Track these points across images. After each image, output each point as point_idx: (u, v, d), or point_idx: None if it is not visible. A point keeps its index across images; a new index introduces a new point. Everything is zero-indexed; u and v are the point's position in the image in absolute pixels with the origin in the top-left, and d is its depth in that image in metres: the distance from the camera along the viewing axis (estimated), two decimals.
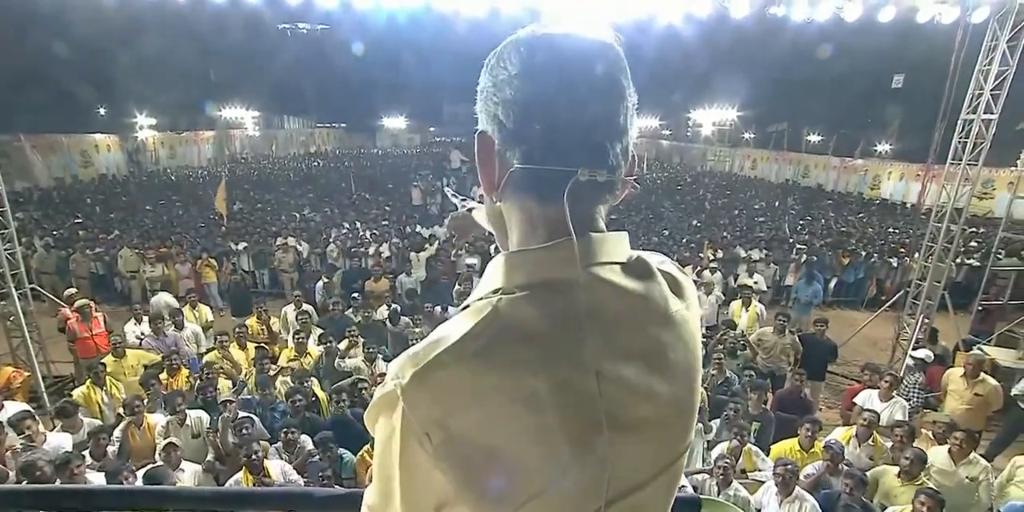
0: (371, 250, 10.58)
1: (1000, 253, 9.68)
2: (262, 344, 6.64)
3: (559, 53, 0.65)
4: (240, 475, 4.15)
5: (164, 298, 7.98)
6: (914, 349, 6.86)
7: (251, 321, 7.08)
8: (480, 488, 0.58)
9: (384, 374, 0.66)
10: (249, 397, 5.35)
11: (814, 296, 8.85)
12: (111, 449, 4.51)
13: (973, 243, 12.47)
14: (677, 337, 0.69)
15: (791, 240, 13.09)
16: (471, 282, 8.22)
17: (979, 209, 16.91)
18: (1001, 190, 18.02)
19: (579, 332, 0.60)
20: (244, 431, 4.53)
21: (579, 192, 0.64)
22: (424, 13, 7.93)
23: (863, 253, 11.62)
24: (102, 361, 5.76)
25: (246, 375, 5.89)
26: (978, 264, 10.51)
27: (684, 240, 12.24)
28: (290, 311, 7.30)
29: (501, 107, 0.65)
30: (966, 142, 6.87)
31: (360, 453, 4.57)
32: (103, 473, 3.88)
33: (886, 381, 5.39)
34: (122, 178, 25.03)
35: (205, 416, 4.89)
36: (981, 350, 6.73)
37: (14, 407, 4.79)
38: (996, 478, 4.41)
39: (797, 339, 6.60)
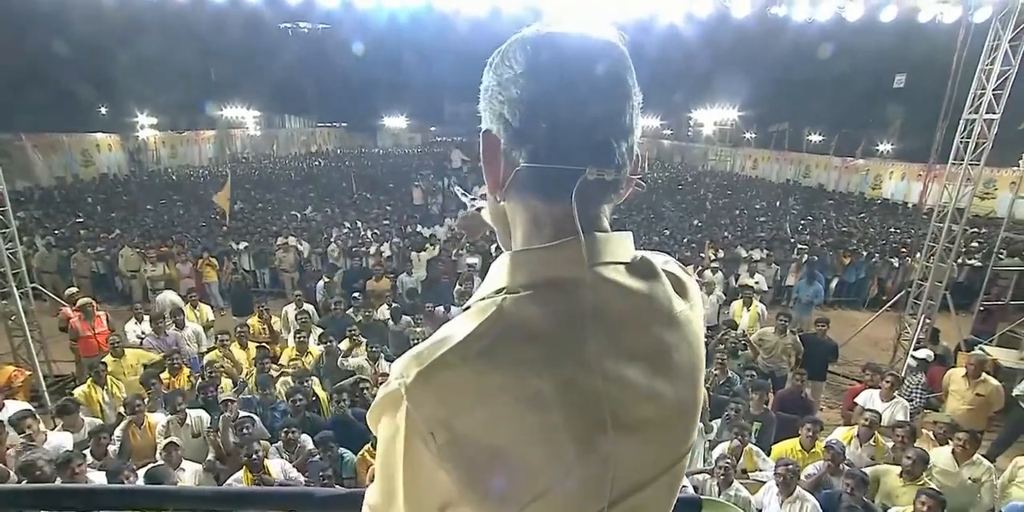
0: (372, 250, 10.59)
1: (1002, 253, 9.67)
2: (263, 344, 6.65)
3: (564, 52, 0.64)
4: (240, 474, 4.15)
5: (169, 296, 8.01)
6: (915, 349, 6.85)
7: (252, 320, 7.09)
8: (484, 488, 0.58)
9: (387, 374, 0.65)
10: (250, 396, 5.35)
11: (815, 296, 8.84)
12: (112, 448, 4.52)
13: (975, 243, 12.45)
14: (681, 337, 0.69)
15: (792, 240, 13.07)
16: (472, 282, 8.22)
17: (981, 209, 16.89)
18: (1003, 190, 18.01)
19: (583, 332, 0.60)
20: (245, 431, 4.53)
21: (585, 191, 0.64)
22: (425, 12, 7.93)
23: (864, 253, 11.60)
24: (103, 360, 5.77)
25: (247, 374, 5.90)
26: (980, 264, 10.49)
27: (685, 240, 12.24)
28: (291, 311, 7.31)
29: (507, 106, 0.65)
30: (968, 142, 6.86)
31: (361, 453, 4.57)
32: (104, 472, 3.89)
33: (887, 381, 5.38)
34: (123, 177, 25.08)
35: (205, 415, 4.90)
36: (983, 350, 6.72)
37: (15, 406, 4.79)
38: (998, 479, 4.40)
39: (798, 339, 6.59)
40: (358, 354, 6.22)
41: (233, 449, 4.51)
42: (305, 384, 5.38)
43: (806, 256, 10.57)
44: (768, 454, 4.78)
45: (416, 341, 4.84)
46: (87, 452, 4.32)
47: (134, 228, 13.28)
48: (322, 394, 5.52)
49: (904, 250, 11.65)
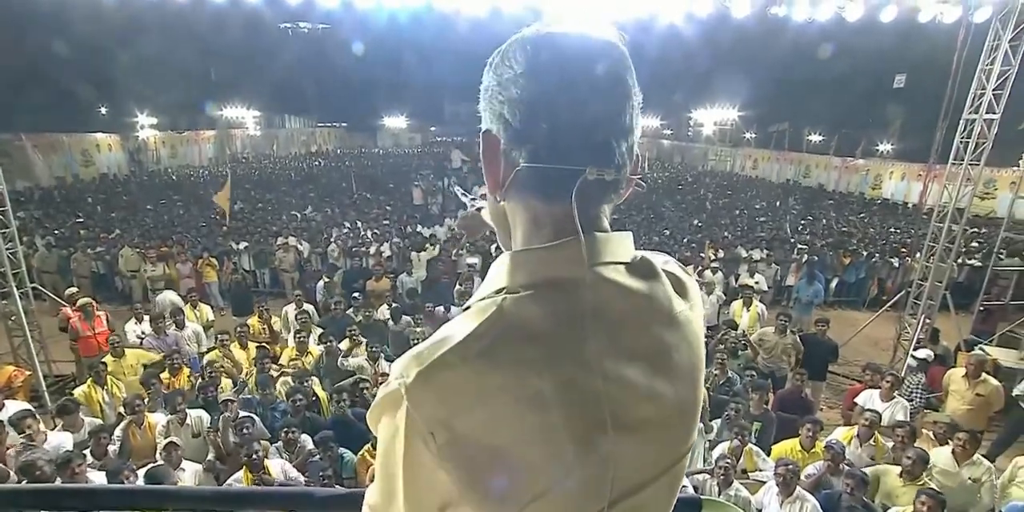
0: (372, 250, 10.59)
1: (1002, 253, 9.67)
2: (263, 344, 6.65)
3: (565, 52, 0.64)
4: (240, 474, 4.15)
5: (169, 296, 8.02)
6: (915, 349, 6.85)
7: (252, 320, 7.09)
8: (484, 488, 0.58)
9: (387, 374, 0.65)
10: (250, 396, 5.35)
11: (815, 296, 8.84)
12: (112, 448, 4.52)
13: (975, 243, 12.45)
14: (681, 338, 0.69)
15: (792, 240, 13.07)
16: (472, 282, 8.22)
17: (981, 209, 16.88)
18: (1003, 190, 18.01)
19: (584, 332, 0.60)
20: (245, 431, 4.53)
21: (585, 191, 0.64)
22: (425, 12, 7.93)
23: (864, 253, 11.60)
24: (103, 360, 5.77)
25: (247, 375, 5.90)
26: (980, 264, 10.49)
27: (685, 240, 12.24)
28: (291, 311, 7.31)
29: (507, 106, 0.65)
30: (968, 142, 6.86)
31: (361, 453, 4.57)
32: (104, 472, 3.89)
33: (887, 381, 5.38)
34: (123, 177, 25.08)
35: (205, 415, 4.90)
36: (983, 350, 6.72)
37: (15, 406, 4.79)
38: (998, 479, 4.40)
39: (798, 339, 6.59)
40: (358, 354, 6.22)
41: (233, 449, 4.51)
42: (305, 384, 5.38)
43: (806, 256, 10.56)
44: (768, 454, 4.78)
45: (416, 341, 4.84)
46: (87, 452, 4.32)
47: (134, 228, 13.28)
48: (322, 394, 5.52)
49: (904, 250, 11.65)
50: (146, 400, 4.97)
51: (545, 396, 0.57)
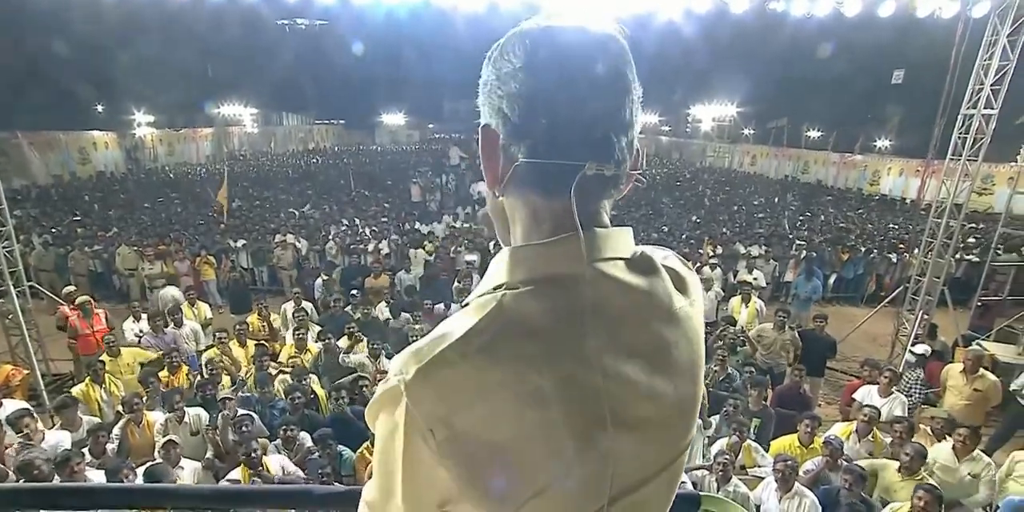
0: (370, 247, 10.58)
1: (999, 249, 9.68)
2: (262, 341, 6.65)
3: (564, 46, 0.64)
4: (238, 470, 4.15)
5: (171, 292, 8.04)
6: (913, 345, 6.87)
7: (252, 318, 7.09)
8: (484, 485, 0.58)
9: (387, 371, 0.65)
10: (248, 394, 5.35)
11: (813, 292, 8.85)
12: (110, 447, 4.52)
13: (972, 239, 12.48)
14: (681, 334, 0.69)
15: (790, 236, 13.10)
16: (470, 279, 8.22)
17: (979, 205, 16.92)
18: (1001, 185, 18.04)
19: (583, 328, 0.60)
20: (244, 429, 4.53)
21: (585, 186, 0.63)
22: (423, 8, 7.92)
23: (862, 249, 11.62)
24: (100, 358, 5.76)
25: (246, 373, 5.89)
26: (977, 260, 10.51)
27: (683, 236, 12.25)
28: (289, 308, 7.31)
29: (506, 101, 0.64)
30: (966, 137, 6.86)
31: (360, 450, 4.57)
32: (103, 471, 3.89)
33: (885, 377, 5.40)
34: (120, 175, 25.01)
35: (204, 414, 4.90)
36: (980, 346, 6.74)
37: (13, 405, 4.79)
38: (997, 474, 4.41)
39: (796, 335, 6.61)
40: (359, 351, 6.22)
41: (232, 447, 4.51)
42: (303, 382, 5.38)
43: (804, 252, 10.58)
44: (767, 450, 4.80)
45: (415, 338, 4.84)
46: (85, 451, 4.32)
47: (131, 226, 13.25)
48: (320, 392, 5.52)
49: (902, 246, 11.68)
50: (144, 398, 4.97)
51: (545, 393, 0.57)
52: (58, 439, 4.43)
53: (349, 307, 7.39)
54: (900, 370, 6.19)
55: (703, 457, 4.77)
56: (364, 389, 5.32)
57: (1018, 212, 12.86)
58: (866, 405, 5.07)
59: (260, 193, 19.25)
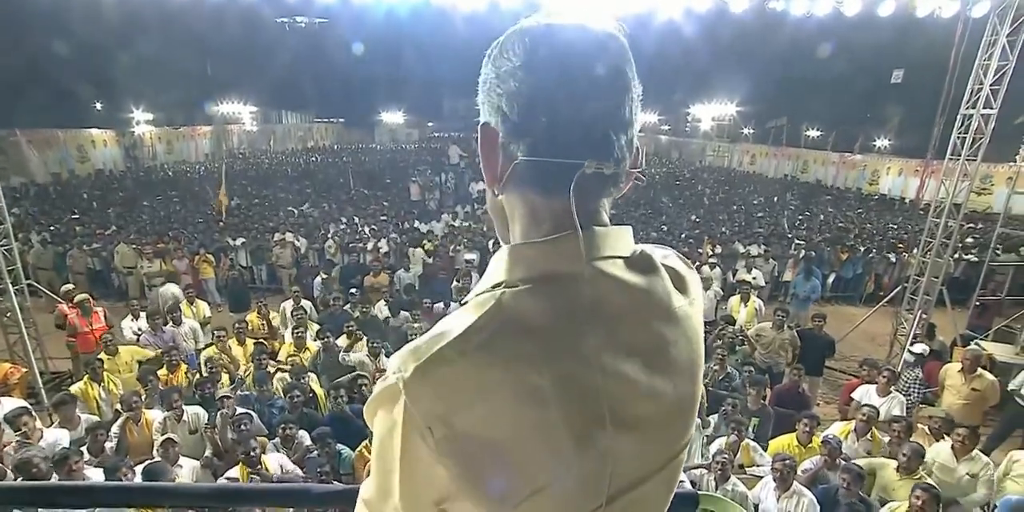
0: (369, 246, 10.57)
1: (998, 248, 9.69)
2: (262, 340, 6.64)
3: (563, 44, 0.64)
4: (236, 469, 4.15)
5: (172, 289, 8.04)
6: (912, 344, 6.87)
7: (252, 316, 7.08)
8: (482, 483, 0.58)
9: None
10: (247, 393, 5.34)
11: (812, 291, 8.86)
12: (109, 445, 4.51)
13: (971, 239, 12.48)
14: (680, 333, 0.69)
15: (790, 235, 13.10)
16: (469, 278, 8.22)
17: (977, 204, 16.94)
18: (999, 185, 18.05)
19: (582, 326, 0.60)
20: (243, 427, 4.53)
21: (584, 185, 0.63)
22: (423, 7, 7.91)
23: (861, 248, 11.63)
24: (99, 357, 5.76)
25: (244, 371, 5.89)
26: (976, 259, 10.52)
27: (683, 235, 12.25)
28: (288, 307, 7.30)
29: (505, 99, 0.64)
30: (965, 137, 6.86)
31: (358, 449, 4.56)
32: (101, 469, 3.88)
33: (884, 376, 5.40)
34: (119, 173, 24.95)
35: (202, 412, 4.89)
36: (978, 345, 6.75)
37: (11, 403, 4.77)
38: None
39: (795, 334, 6.61)
40: (359, 349, 6.22)
41: (231, 446, 4.51)
42: (302, 381, 5.38)
43: (803, 251, 10.58)
44: (765, 449, 4.80)
45: (414, 337, 4.83)
46: (84, 449, 4.32)
47: (130, 224, 13.22)
48: (319, 391, 5.52)
49: (901, 245, 11.69)
50: (143, 397, 4.97)
51: (543, 391, 0.57)
52: (56, 437, 4.43)
53: (348, 306, 7.38)
54: (898, 369, 6.20)
55: (702, 456, 4.77)
56: (363, 388, 5.31)
57: (1017, 212, 12.87)
58: (864, 404, 5.07)
59: (259, 191, 19.22)
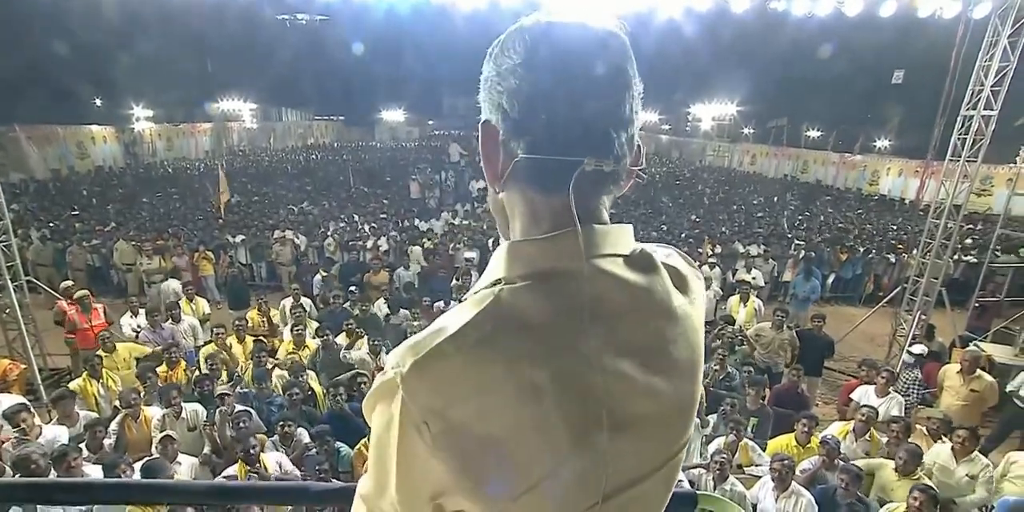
0: (369, 243, 10.57)
1: (997, 250, 9.69)
2: (261, 337, 6.64)
3: (564, 42, 0.63)
4: (235, 466, 4.14)
5: (172, 285, 8.07)
6: (911, 345, 6.88)
7: (252, 314, 7.08)
8: (478, 478, 0.58)
9: None
10: (246, 390, 5.34)
11: (812, 292, 8.86)
12: (108, 442, 4.51)
13: (970, 240, 12.49)
14: (680, 332, 0.68)
15: (789, 236, 13.11)
16: (469, 276, 8.22)
17: (977, 206, 16.95)
18: (999, 187, 18.05)
19: (581, 324, 0.60)
20: (241, 425, 4.52)
21: (583, 183, 0.63)
22: (424, 5, 7.90)
23: (861, 249, 11.64)
24: (98, 353, 5.75)
25: (243, 369, 5.89)
26: (975, 261, 10.52)
27: (683, 235, 12.25)
28: (288, 304, 7.30)
29: (505, 97, 0.64)
30: (965, 138, 6.86)
31: (357, 447, 4.56)
32: (100, 466, 3.89)
33: (883, 377, 5.40)
34: (119, 170, 24.91)
35: (201, 409, 4.89)
36: (977, 346, 6.75)
37: (9, 400, 4.77)
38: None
39: (795, 335, 6.61)
40: (360, 347, 6.22)
41: (230, 443, 4.50)
42: (301, 378, 5.38)
43: (803, 252, 10.58)
44: (764, 449, 4.80)
45: (413, 334, 4.83)
46: (83, 446, 4.32)
47: (130, 221, 13.21)
48: (318, 388, 5.51)
49: (900, 246, 11.69)
50: (142, 394, 4.96)
51: (541, 388, 0.57)
52: (55, 434, 4.43)
53: (348, 303, 7.38)
54: (897, 370, 6.21)
55: (700, 456, 4.78)
56: (362, 386, 5.31)
57: (1016, 213, 12.87)
58: (863, 405, 5.08)
59: (259, 189, 19.20)
